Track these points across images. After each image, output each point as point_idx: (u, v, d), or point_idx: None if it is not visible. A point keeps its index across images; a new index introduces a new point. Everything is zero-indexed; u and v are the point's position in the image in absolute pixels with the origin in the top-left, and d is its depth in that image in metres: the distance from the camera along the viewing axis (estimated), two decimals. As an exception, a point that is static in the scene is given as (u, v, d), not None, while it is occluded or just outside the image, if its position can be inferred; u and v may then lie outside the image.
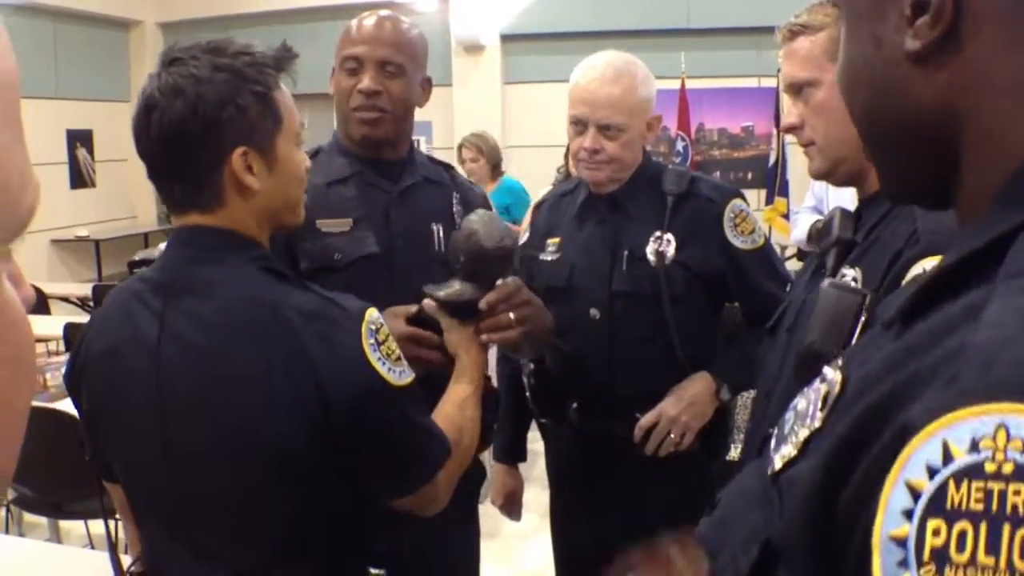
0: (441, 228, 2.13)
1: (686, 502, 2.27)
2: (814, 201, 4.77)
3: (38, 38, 9.19)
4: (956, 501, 0.48)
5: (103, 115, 9.90)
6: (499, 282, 1.85)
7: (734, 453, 2.73)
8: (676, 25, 9.28)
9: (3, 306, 0.41)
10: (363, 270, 2.01)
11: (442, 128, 9.25)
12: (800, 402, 0.74)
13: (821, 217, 4.41)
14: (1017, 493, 0.46)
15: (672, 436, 2.19)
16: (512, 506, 2.61)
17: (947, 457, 0.49)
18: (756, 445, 1.67)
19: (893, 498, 0.51)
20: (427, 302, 1.85)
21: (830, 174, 1.62)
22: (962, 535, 0.47)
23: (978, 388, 0.50)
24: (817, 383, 0.72)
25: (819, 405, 0.69)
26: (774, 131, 9.62)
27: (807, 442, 0.69)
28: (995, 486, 0.47)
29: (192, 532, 1.46)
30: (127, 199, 10.97)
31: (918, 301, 0.65)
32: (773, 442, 0.76)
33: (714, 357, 2.31)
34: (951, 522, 0.48)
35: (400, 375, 1.44)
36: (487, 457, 2.92)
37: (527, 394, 2.45)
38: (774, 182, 9.18)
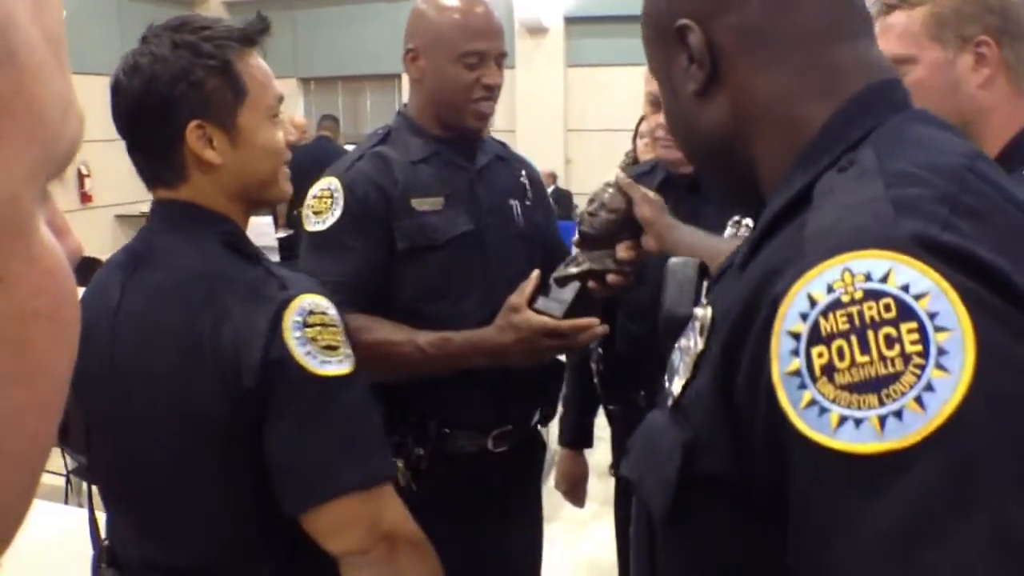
0: (518, 204, 2.17)
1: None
2: None
3: (102, 14, 9.30)
4: (828, 328, 0.64)
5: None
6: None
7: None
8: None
9: (40, 253, 0.36)
10: (460, 248, 2.03)
11: (504, 110, 9.19)
12: (681, 342, 0.89)
13: None
14: (870, 308, 0.63)
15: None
16: (576, 492, 2.58)
17: (812, 303, 0.65)
18: None
19: (781, 347, 0.66)
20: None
21: None
22: (839, 349, 0.63)
23: (821, 251, 0.67)
24: (691, 324, 0.86)
25: (698, 334, 0.83)
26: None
27: (696, 365, 0.82)
28: (853, 309, 0.63)
29: (139, 509, 1.45)
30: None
31: (758, 245, 0.81)
32: (667, 382, 0.90)
33: None
34: (828, 343, 0.64)
35: (326, 365, 1.33)
36: (552, 438, 2.89)
37: (595, 379, 2.41)
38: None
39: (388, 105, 10.98)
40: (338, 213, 1.98)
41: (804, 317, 0.65)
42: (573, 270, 1.93)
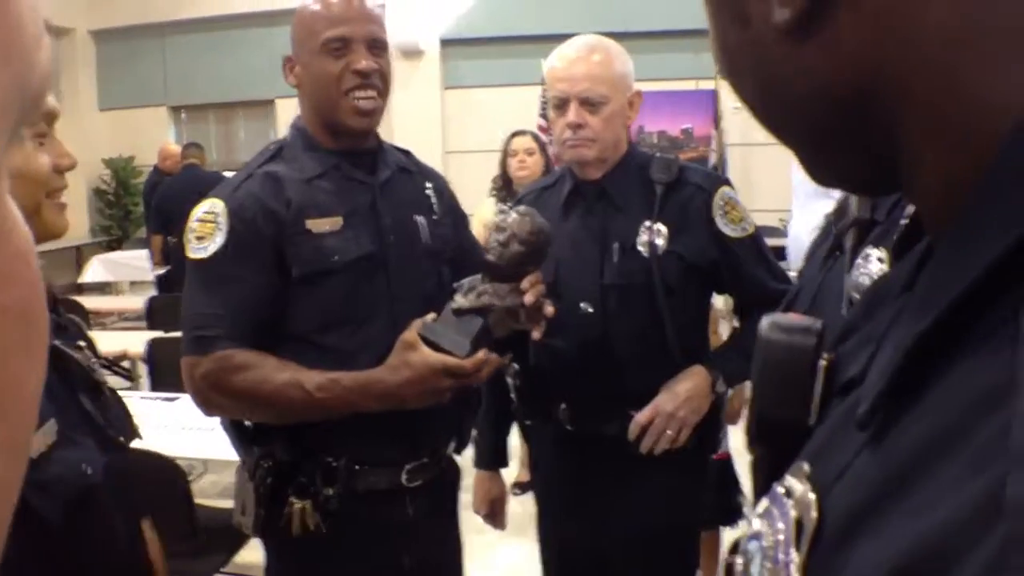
0: (424, 220, 2.06)
1: (681, 498, 2.25)
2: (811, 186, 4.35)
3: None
4: None
5: (33, 125, 9.61)
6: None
7: (725, 446, 2.70)
8: (614, 28, 9.25)
9: (9, 227, 0.28)
10: (361, 270, 1.92)
11: (382, 133, 9.05)
12: (761, 527, 0.55)
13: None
14: None
15: (668, 433, 2.14)
16: (497, 515, 2.54)
17: None
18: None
19: None
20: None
21: None
22: None
23: None
24: (781, 500, 0.54)
25: (791, 539, 0.50)
26: (713, 133, 9.71)
27: None
28: None
29: None
30: (58, 211, 10.68)
31: (893, 390, 0.45)
32: None
33: (705, 350, 2.27)
34: None
35: None
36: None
37: (511, 395, 2.38)
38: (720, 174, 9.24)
39: (262, 132, 10.79)
40: (220, 239, 1.86)
41: None
42: (470, 302, 1.86)
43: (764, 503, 0.55)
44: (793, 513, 0.51)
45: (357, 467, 1.92)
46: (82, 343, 1.44)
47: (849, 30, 0.50)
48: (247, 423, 1.97)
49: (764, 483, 0.59)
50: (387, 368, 1.83)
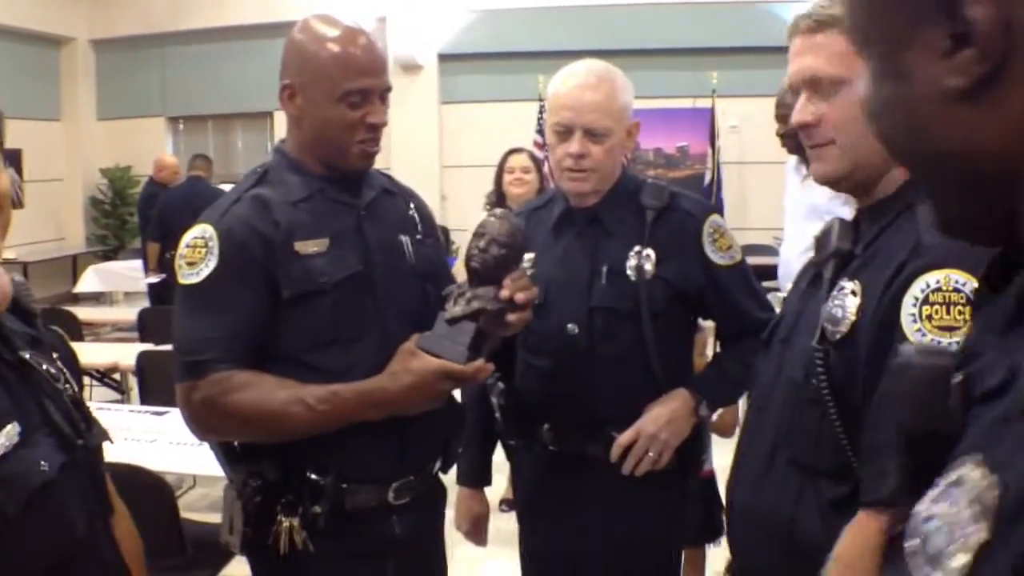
0: (409, 240, 2.08)
1: (662, 517, 2.26)
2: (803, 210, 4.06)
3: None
4: None
5: (33, 134, 9.68)
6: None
7: (710, 464, 2.71)
8: (612, 46, 9.34)
9: None
10: (349, 291, 1.93)
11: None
12: (938, 510, 0.62)
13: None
14: None
15: (651, 455, 2.15)
16: (478, 531, 2.55)
17: None
18: (753, 459, 1.64)
19: None
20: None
21: (844, 179, 1.53)
22: None
23: None
24: (955, 487, 0.62)
25: (975, 513, 0.58)
26: (709, 151, 9.76)
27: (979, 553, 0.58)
28: None
29: None
30: (56, 220, 10.72)
31: None
32: (916, 559, 0.63)
33: (689, 373, 2.28)
34: None
35: None
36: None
37: (496, 415, 2.39)
38: (709, 202, 9.31)
39: (260, 144, 10.83)
40: (213, 264, 1.86)
41: None
42: (461, 309, 1.89)
43: (936, 491, 0.62)
44: (974, 494, 0.58)
45: (344, 485, 1.92)
46: (55, 354, 1.47)
47: (1017, 101, 0.58)
48: (235, 442, 1.98)
49: (910, 483, 0.69)
50: (389, 376, 1.86)
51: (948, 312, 1.31)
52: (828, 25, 1.49)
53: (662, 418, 2.16)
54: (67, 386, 1.45)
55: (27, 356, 1.38)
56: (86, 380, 4.77)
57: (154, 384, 4.28)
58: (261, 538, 1.91)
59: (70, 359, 1.57)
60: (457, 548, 2.84)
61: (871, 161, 1.47)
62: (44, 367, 1.41)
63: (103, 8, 10.79)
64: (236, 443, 1.98)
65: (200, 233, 1.90)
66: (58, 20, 10.27)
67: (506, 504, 4.33)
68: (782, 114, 4.21)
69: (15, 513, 1.24)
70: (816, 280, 1.57)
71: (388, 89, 1.98)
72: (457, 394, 2.23)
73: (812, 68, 1.51)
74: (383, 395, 1.85)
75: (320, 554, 1.90)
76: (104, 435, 1.57)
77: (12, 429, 1.26)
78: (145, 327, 5.79)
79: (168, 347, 4.90)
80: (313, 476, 1.90)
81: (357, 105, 1.91)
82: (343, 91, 1.90)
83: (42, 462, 1.30)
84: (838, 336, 1.43)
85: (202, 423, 1.91)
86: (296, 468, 1.91)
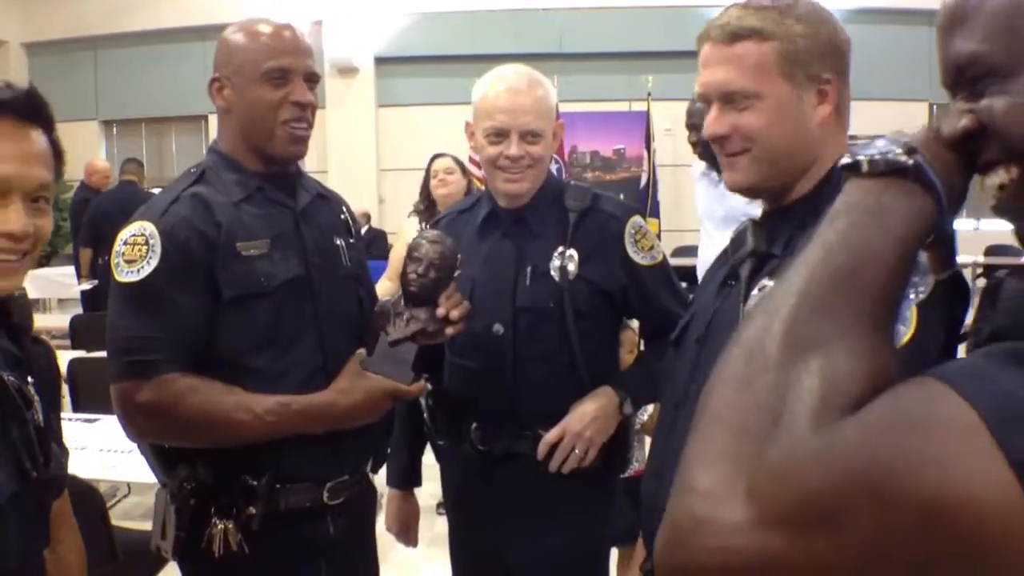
0: (344, 244, 2.11)
1: (590, 516, 2.30)
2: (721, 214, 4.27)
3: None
4: None
5: (-38, 138, 9.44)
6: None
7: (636, 467, 2.76)
8: (549, 49, 9.43)
9: None
10: (289, 293, 1.95)
11: (316, 151, 9.14)
12: None
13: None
14: None
15: (576, 452, 2.19)
16: (409, 533, 2.57)
17: None
18: (669, 456, 1.68)
19: None
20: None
21: (757, 186, 1.55)
22: None
23: None
24: None
25: None
26: (644, 153, 9.85)
27: None
28: None
29: None
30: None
31: None
32: None
33: (614, 372, 2.33)
34: None
35: None
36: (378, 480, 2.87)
37: (424, 415, 2.42)
38: (646, 204, 9.40)
39: (195, 147, 10.72)
40: (155, 262, 1.85)
41: None
42: (401, 332, 1.98)
43: None
44: None
45: (279, 485, 1.93)
46: (30, 379, 1.46)
47: None
48: (166, 446, 1.97)
49: None
50: (338, 392, 1.92)
51: None
52: (743, 37, 1.48)
53: (587, 415, 2.20)
54: (36, 415, 1.43)
55: (4, 376, 1.38)
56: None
57: (86, 391, 4.24)
58: (194, 542, 1.92)
59: (51, 378, 1.58)
60: (391, 551, 2.85)
61: (785, 168, 1.51)
62: (17, 389, 1.39)
63: (36, 10, 10.62)
64: (167, 446, 1.97)
65: (139, 231, 1.88)
66: (-12, 23, 10.10)
67: (442, 507, 4.35)
68: (693, 123, 4.32)
69: None
70: (729, 280, 1.60)
71: (313, 74, 2.00)
72: None
73: (727, 81, 1.50)
74: (332, 410, 1.92)
75: (255, 555, 1.91)
76: (61, 468, 1.56)
77: None
78: (77, 334, 5.71)
79: (100, 354, 4.87)
80: (247, 478, 1.91)
81: (280, 84, 1.94)
82: (264, 70, 1.93)
83: None
84: None
85: (142, 426, 1.90)
86: (230, 470, 1.91)
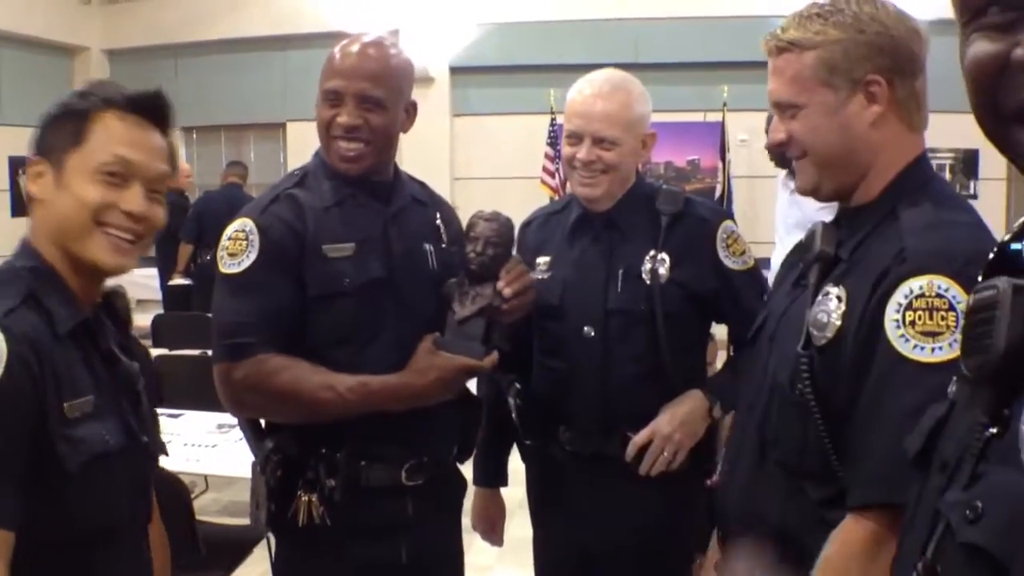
0: (432, 248, 2.17)
1: (676, 520, 2.28)
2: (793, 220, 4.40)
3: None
4: None
5: (46, 142, 9.72)
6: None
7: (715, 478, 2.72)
8: (623, 60, 9.34)
9: None
10: (370, 294, 2.05)
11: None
12: None
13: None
14: None
15: (665, 455, 2.18)
16: (495, 531, 2.58)
17: None
18: (742, 455, 1.66)
19: None
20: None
21: (818, 189, 1.58)
22: None
23: None
24: None
25: None
26: (719, 164, 9.77)
27: None
28: None
29: None
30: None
31: None
32: None
33: (703, 376, 2.31)
34: None
35: None
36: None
37: (512, 415, 2.42)
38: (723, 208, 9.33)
39: (273, 155, 10.85)
40: (254, 255, 2.00)
41: None
42: (468, 309, 2.02)
43: None
44: None
45: (361, 462, 2.03)
46: (136, 363, 1.60)
47: None
48: (261, 421, 2.11)
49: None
50: (415, 372, 2.00)
51: (931, 318, 1.33)
52: (784, 50, 1.53)
53: (677, 418, 2.19)
54: (143, 390, 1.58)
55: (115, 349, 1.52)
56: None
57: (170, 387, 4.33)
58: (283, 514, 2.03)
59: (150, 371, 1.76)
60: (467, 555, 2.85)
61: (842, 168, 1.53)
62: (127, 363, 1.54)
63: (116, 18, 10.85)
64: (262, 422, 2.11)
65: (241, 227, 2.04)
66: (71, 29, 10.33)
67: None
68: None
69: (74, 470, 1.35)
70: (800, 280, 1.59)
71: (365, 96, 2.03)
72: (472, 386, 2.33)
73: (775, 92, 1.57)
74: (410, 390, 1.99)
75: (337, 529, 2.01)
76: (161, 449, 1.72)
77: (87, 401, 1.39)
78: (159, 332, 5.87)
79: (183, 352, 4.97)
80: (328, 451, 2.01)
81: (333, 104, 2.05)
82: (322, 91, 2.06)
83: (106, 435, 1.42)
84: (823, 342, 1.44)
85: (238, 400, 2.05)
86: (312, 443, 2.02)
